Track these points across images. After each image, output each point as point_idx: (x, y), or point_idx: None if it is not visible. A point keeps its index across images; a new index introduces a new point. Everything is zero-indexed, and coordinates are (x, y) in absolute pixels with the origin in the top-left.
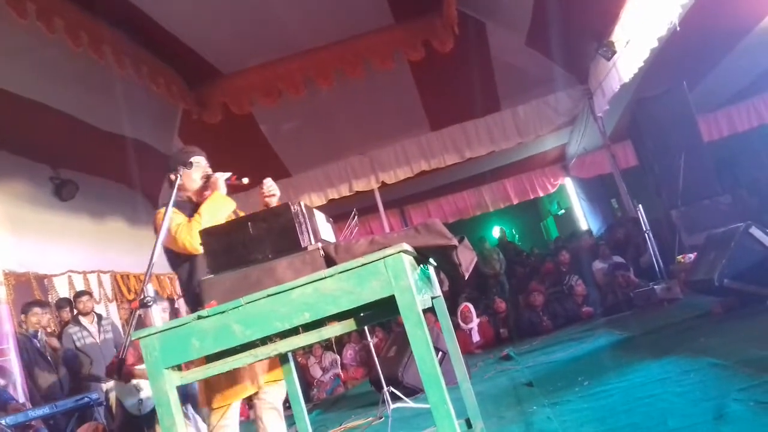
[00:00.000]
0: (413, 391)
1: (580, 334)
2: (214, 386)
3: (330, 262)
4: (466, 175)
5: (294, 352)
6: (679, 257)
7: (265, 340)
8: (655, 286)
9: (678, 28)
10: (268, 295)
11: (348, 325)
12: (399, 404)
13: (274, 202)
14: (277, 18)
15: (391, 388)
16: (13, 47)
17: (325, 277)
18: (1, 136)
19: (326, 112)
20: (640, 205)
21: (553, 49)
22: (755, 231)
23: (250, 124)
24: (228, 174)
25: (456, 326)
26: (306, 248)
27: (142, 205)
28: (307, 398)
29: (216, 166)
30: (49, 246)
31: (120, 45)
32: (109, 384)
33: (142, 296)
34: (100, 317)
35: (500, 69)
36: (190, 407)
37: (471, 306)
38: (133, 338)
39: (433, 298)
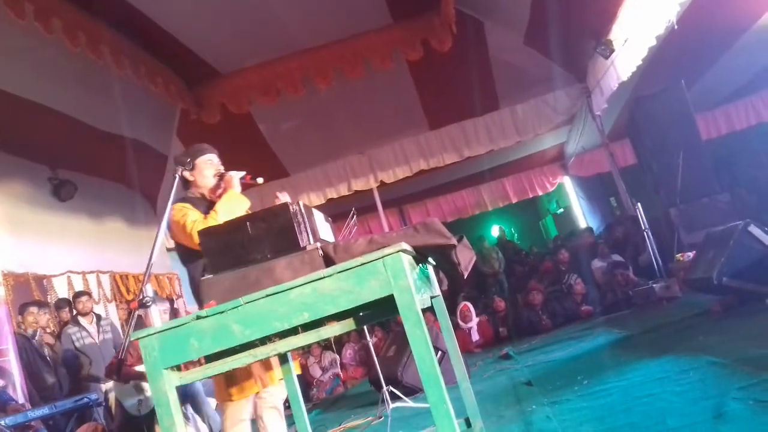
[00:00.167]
0: (413, 390)
1: (579, 333)
2: (235, 378)
3: (329, 261)
4: (464, 174)
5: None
6: (678, 256)
7: (264, 340)
8: (654, 285)
9: (676, 27)
10: (267, 295)
11: (347, 325)
12: (398, 404)
13: None
14: (275, 17)
15: (391, 388)
16: (11, 48)
17: (324, 277)
18: None
19: (325, 111)
20: (638, 204)
21: (552, 48)
22: (754, 229)
23: (249, 123)
24: (242, 173)
25: (455, 325)
26: (305, 248)
27: (140, 205)
28: (307, 398)
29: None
30: (48, 246)
31: (118, 45)
32: (109, 384)
33: (141, 297)
34: (99, 317)
35: (499, 68)
36: (189, 407)
37: (470, 305)
38: (132, 338)
39: (432, 297)
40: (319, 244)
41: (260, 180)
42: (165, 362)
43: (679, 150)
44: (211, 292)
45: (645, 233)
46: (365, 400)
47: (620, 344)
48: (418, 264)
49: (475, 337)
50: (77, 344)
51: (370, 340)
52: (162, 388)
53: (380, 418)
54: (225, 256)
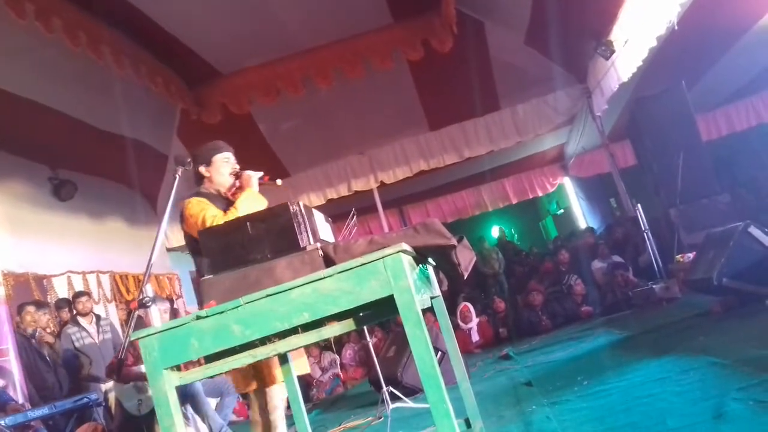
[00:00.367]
0: (412, 390)
1: (579, 333)
2: (272, 365)
3: (329, 262)
4: (465, 174)
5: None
6: (678, 256)
7: (264, 340)
8: (654, 286)
9: (676, 27)
10: (267, 295)
11: (347, 325)
12: (398, 404)
13: None
14: (275, 18)
15: (391, 388)
16: (12, 47)
17: (324, 277)
18: None
19: (325, 111)
20: (638, 205)
21: (552, 49)
22: (754, 230)
23: (249, 123)
24: (260, 173)
25: (455, 326)
26: (305, 248)
27: (141, 205)
28: (307, 398)
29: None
30: (48, 246)
31: (119, 45)
32: (108, 384)
33: (141, 297)
34: (98, 318)
35: (499, 68)
36: (189, 407)
37: (470, 306)
38: (132, 338)
39: (432, 297)
40: (319, 245)
41: (279, 182)
42: (165, 362)
43: (680, 151)
44: (211, 292)
45: (645, 234)
46: (365, 400)
47: (620, 345)
48: (418, 264)
49: (475, 337)
50: (77, 344)
51: (370, 341)
52: (162, 388)
53: (380, 418)
54: (225, 256)
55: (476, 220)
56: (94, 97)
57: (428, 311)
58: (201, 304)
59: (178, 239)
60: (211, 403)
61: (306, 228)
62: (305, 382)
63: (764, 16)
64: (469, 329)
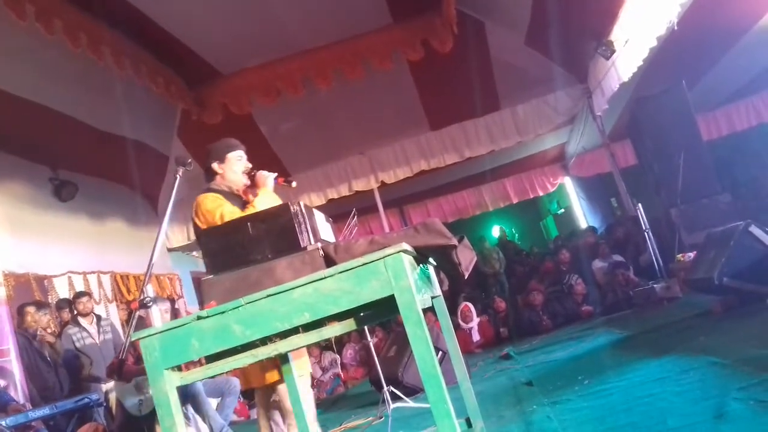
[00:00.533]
0: (413, 390)
1: (580, 333)
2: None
3: (329, 262)
4: (465, 174)
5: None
6: (679, 256)
7: (264, 340)
8: (655, 285)
9: (676, 28)
10: (268, 296)
11: (348, 325)
12: (399, 404)
13: None
14: (276, 18)
15: (391, 388)
16: (13, 48)
17: (325, 277)
18: (0, 136)
19: (325, 112)
20: (639, 204)
21: (553, 49)
22: (755, 230)
23: (249, 124)
24: (275, 174)
25: (456, 326)
26: (305, 248)
27: (141, 205)
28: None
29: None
30: (49, 247)
31: (119, 45)
32: (109, 385)
33: (142, 297)
34: (99, 318)
35: (499, 68)
36: (190, 407)
37: (471, 305)
38: (132, 339)
39: (432, 297)
40: (319, 245)
41: (294, 184)
42: (166, 363)
43: (680, 150)
44: (212, 293)
45: (646, 233)
46: (366, 400)
47: (621, 344)
48: (418, 264)
49: (476, 337)
50: (77, 344)
51: (371, 341)
52: (163, 388)
53: (381, 418)
54: (226, 257)
55: (477, 219)
56: (94, 97)
57: (429, 311)
58: (202, 305)
59: (179, 239)
60: (212, 403)
61: (307, 228)
62: None
63: (764, 16)
64: (470, 329)
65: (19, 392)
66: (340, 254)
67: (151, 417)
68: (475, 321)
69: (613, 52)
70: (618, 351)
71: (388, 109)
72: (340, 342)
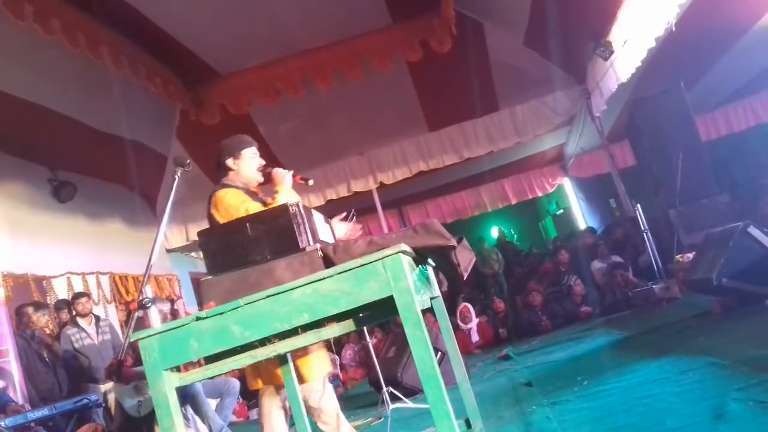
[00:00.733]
0: (412, 391)
1: (579, 333)
2: (319, 357)
3: (328, 262)
4: (464, 175)
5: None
6: (678, 256)
7: (264, 341)
8: (654, 286)
9: (674, 29)
10: (267, 296)
11: (347, 326)
12: (398, 404)
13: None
14: (275, 18)
15: (391, 389)
16: (11, 49)
17: (324, 278)
18: None
19: (324, 112)
20: (638, 205)
21: (551, 49)
22: (753, 230)
23: (248, 124)
24: (291, 172)
25: (455, 326)
26: (304, 249)
27: (140, 206)
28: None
29: (215, 168)
30: (48, 247)
31: (117, 46)
32: (108, 385)
33: (140, 298)
34: (98, 319)
35: (498, 69)
36: (189, 408)
37: (470, 306)
38: (131, 339)
39: (432, 298)
40: (318, 245)
41: (311, 182)
42: (165, 363)
43: (679, 151)
44: (211, 293)
45: (644, 234)
46: (365, 400)
47: (620, 345)
48: (417, 265)
49: (475, 338)
50: (76, 345)
51: (370, 341)
52: (162, 389)
53: (380, 418)
54: (225, 257)
55: (476, 220)
56: (93, 98)
57: (428, 312)
58: (201, 305)
59: (178, 240)
60: (211, 404)
61: (305, 229)
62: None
63: (763, 17)
64: (469, 330)
65: (18, 393)
66: (339, 255)
67: (150, 418)
68: (474, 322)
69: (612, 52)
70: (617, 352)
71: (387, 109)
72: (339, 343)
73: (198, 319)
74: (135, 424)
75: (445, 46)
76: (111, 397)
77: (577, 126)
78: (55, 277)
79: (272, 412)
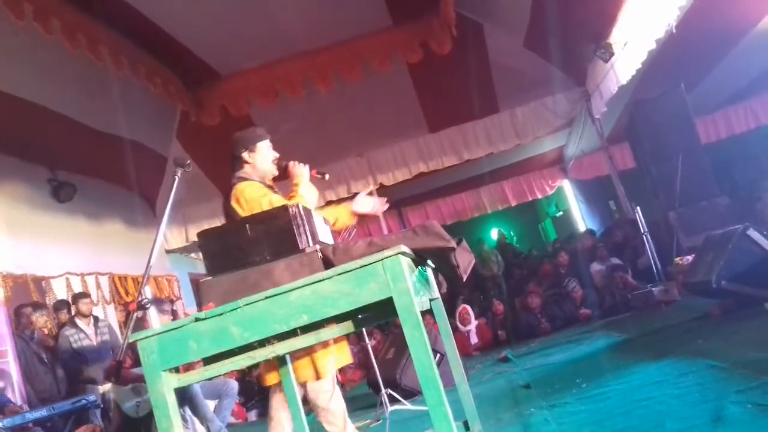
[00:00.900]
0: (411, 393)
1: (578, 336)
2: (326, 353)
3: (328, 264)
4: (464, 176)
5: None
6: (677, 259)
7: (263, 342)
8: (653, 288)
9: (674, 31)
10: (267, 297)
11: (346, 327)
12: (397, 406)
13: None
14: (275, 19)
15: (389, 390)
16: (11, 48)
17: (323, 279)
18: None
19: (324, 113)
20: (638, 207)
21: (551, 51)
22: (753, 233)
23: (248, 125)
24: (307, 165)
25: (454, 328)
26: (304, 250)
27: (139, 207)
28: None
29: (216, 167)
30: (47, 248)
31: (117, 46)
32: (107, 386)
33: (140, 298)
34: (96, 319)
35: (498, 71)
36: (187, 409)
37: (469, 308)
38: (130, 340)
39: (431, 300)
40: (318, 247)
41: (327, 176)
42: (163, 364)
43: (679, 153)
44: (210, 294)
45: (644, 236)
46: (363, 402)
47: (619, 347)
48: (417, 266)
49: (474, 340)
50: (75, 346)
51: (369, 343)
52: (160, 390)
53: (378, 420)
54: (224, 258)
55: (475, 222)
56: (93, 98)
57: (427, 313)
58: (200, 306)
59: (177, 241)
60: (210, 405)
61: (305, 230)
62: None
63: (763, 19)
64: (468, 331)
65: (16, 394)
66: (339, 256)
67: (149, 419)
68: (474, 323)
69: (612, 54)
70: (616, 354)
71: (387, 111)
72: None
73: (197, 320)
74: (133, 424)
75: (445, 47)
76: (110, 398)
77: (577, 128)
78: (54, 277)
79: (281, 407)
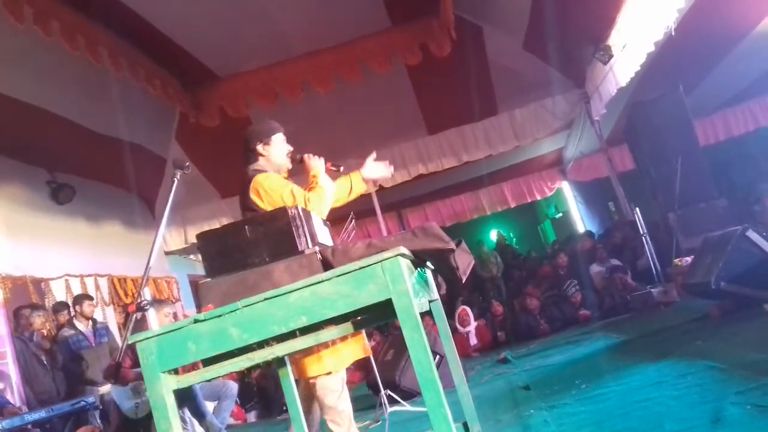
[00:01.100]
0: (410, 394)
1: (578, 337)
2: (335, 350)
3: (327, 265)
4: (463, 178)
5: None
6: (676, 260)
7: (262, 344)
8: (652, 290)
9: (673, 33)
10: (266, 299)
11: (345, 329)
12: (396, 408)
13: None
14: (274, 21)
15: (389, 392)
16: (10, 50)
17: (323, 281)
18: None
19: (323, 115)
20: (637, 209)
21: (551, 53)
22: (752, 234)
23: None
24: (322, 158)
25: (453, 329)
26: (303, 252)
27: (139, 208)
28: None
29: (215, 168)
30: (46, 250)
31: (116, 47)
32: (106, 388)
33: (139, 300)
34: (95, 321)
35: (497, 73)
36: (187, 411)
37: (468, 309)
38: (129, 342)
39: (430, 301)
40: (317, 248)
41: (342, 169)
42: (162, 366)
43: (678, 155)
44: (209, 296)
45: (643, 238)
46: (363, 404)
47: (618, 349)
48: (416, 268)
49: (474, 341)
50: (74, 347)
51: (368, 344)
52: (159, 391)
53: (378, 422)
54: (223, 260)
55: (475, 223)
56: (92, 100)
57: (427, 315)
58: (199, 308)
59: (177, 243)
60: (209, 406)
61: (304, 231)
62: None
63: (762, 21)
64: (468, 333)
65: (15, 395)
66: (338, 258)
67: (148, 420)
68: (473, 325)
69: (611, 56)
70: (615, 355)
71: (386, 113)
72: None
73: (196, 321)
74: (132, 426)
75: (445, 49)
76: (109, 400)
77: (576, 130)
78: (53, 279)
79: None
